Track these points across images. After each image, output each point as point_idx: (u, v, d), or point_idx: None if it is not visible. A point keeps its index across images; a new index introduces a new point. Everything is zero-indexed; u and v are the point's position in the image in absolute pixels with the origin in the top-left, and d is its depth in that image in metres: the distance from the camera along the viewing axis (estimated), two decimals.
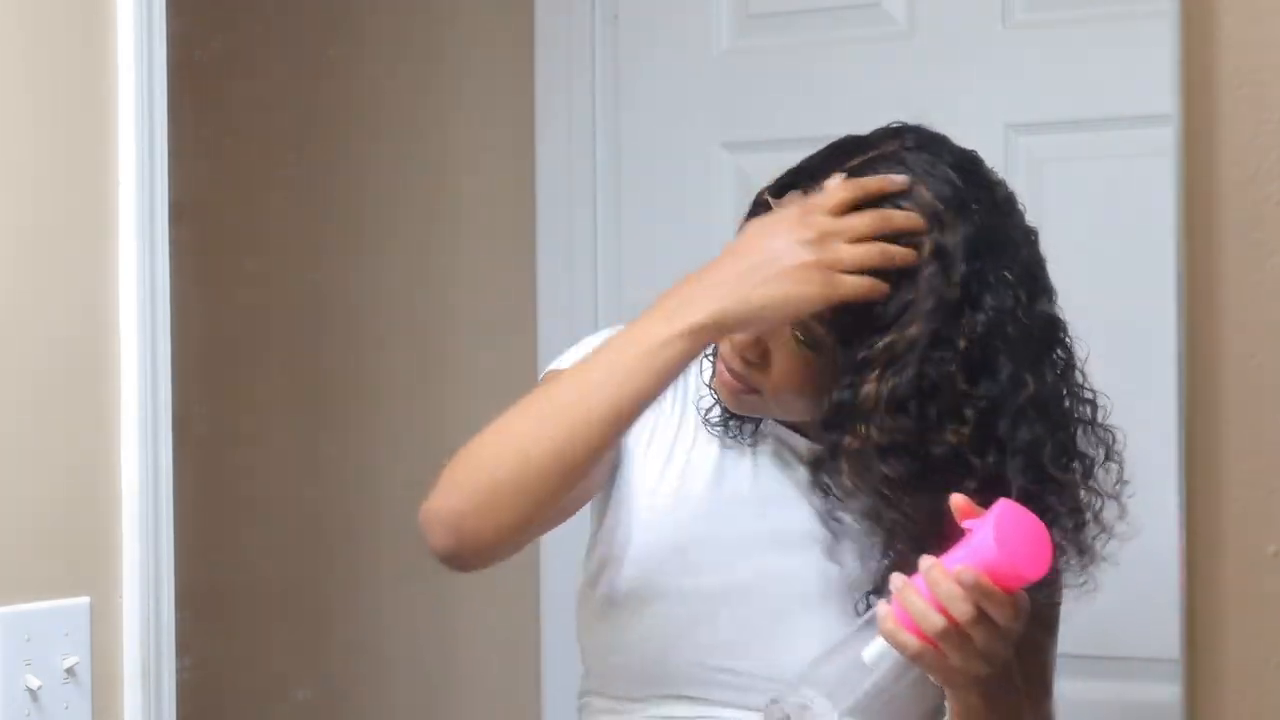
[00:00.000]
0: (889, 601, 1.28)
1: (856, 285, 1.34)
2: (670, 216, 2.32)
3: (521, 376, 2.35)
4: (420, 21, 2.41)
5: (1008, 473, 1.35)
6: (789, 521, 1.47)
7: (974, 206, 1.37)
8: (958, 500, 1.28)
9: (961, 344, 1.35)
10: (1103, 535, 1.41)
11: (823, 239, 1.35)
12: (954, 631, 1.25)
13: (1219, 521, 1.14)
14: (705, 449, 1.53)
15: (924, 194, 1.37)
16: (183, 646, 1.60)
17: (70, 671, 1.52)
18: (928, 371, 1.35)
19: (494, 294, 2.42)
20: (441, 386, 2.42)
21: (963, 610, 1.25)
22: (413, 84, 2.44)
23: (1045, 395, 1.37)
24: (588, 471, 1.42)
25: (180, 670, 1.60)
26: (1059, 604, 1.47)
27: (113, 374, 1.57)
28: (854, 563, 1.45)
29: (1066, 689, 1.71)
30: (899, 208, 1.37)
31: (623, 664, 1.51)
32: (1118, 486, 1.41)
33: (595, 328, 2.33)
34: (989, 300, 1.35)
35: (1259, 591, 1.13)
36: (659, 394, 1.38)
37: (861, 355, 1.36)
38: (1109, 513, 1.41)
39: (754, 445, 1.52)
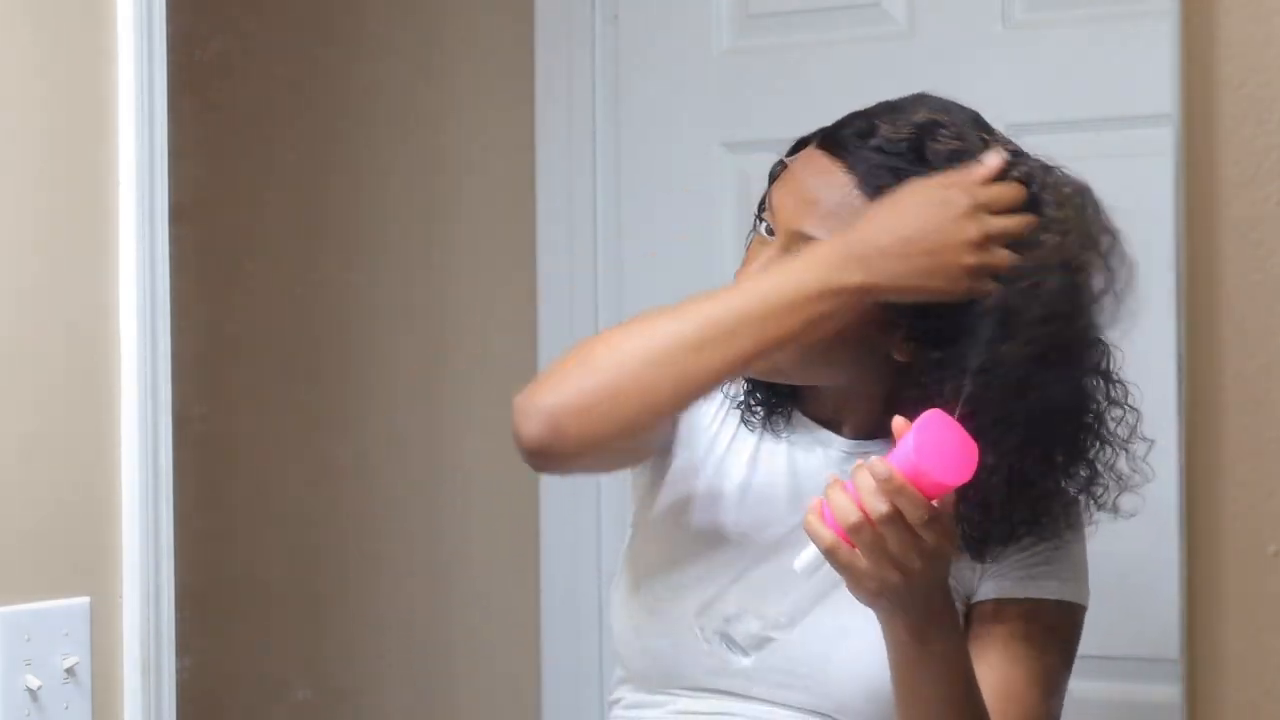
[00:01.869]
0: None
1: (1007, 258, 1.36)
2: (670, 216, 2.32)
3: (522, 376, 2.34)
4: (420, 22, 2.41)
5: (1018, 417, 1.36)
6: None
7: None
8: (897, 422, 1.29)
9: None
10: (1115, 485, 1.42)
11: (977, 210, 1.36)
12: (866, 526, 1.26)
13: (1219, 521, 1.14)
14: (743, 441, 1.54)
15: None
16: (183, 646, 1.60)
17: (70, 671, 1.52)
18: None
19: (494, 294, 2.42)
20: (441, 386, 2.43)
21: (875, 504, 1.25)
22: (412, 84, 2.44)
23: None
24: (689, 406, 1.44)
25: (180, 670, 1.60)
26: (1078, 612, 1.47)
27: (113, 374, 1.57)
28: None
29: (1067, 688, 1.71)
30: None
31: (654, 655, 1.51)
32: (1130, 438, 1.42)
33: (595, 328, 2.34)
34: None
35: (1259, 591, 1.13)
36: (798, 345, 1.39)
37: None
38: (1121, 464, 1.42)
39: (789, 437, 1.52)
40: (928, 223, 1.35)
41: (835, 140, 1.45)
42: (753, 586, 1.45)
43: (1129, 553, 1.79)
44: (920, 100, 1.47)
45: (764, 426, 1.53)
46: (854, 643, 1.43)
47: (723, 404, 1.56)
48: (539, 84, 2.37)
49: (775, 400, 1.53)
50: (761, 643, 1.37)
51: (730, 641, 1.39)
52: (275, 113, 2.38)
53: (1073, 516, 1.45)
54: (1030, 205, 1.39)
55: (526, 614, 2.38)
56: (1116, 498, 1.42)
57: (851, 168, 1.42)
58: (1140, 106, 1.72)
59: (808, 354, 1.42)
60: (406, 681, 2.42)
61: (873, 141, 1.42)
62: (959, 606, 1.44)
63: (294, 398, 2.41)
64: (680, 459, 1.55)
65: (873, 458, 1.27)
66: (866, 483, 1.26)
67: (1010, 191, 1.38)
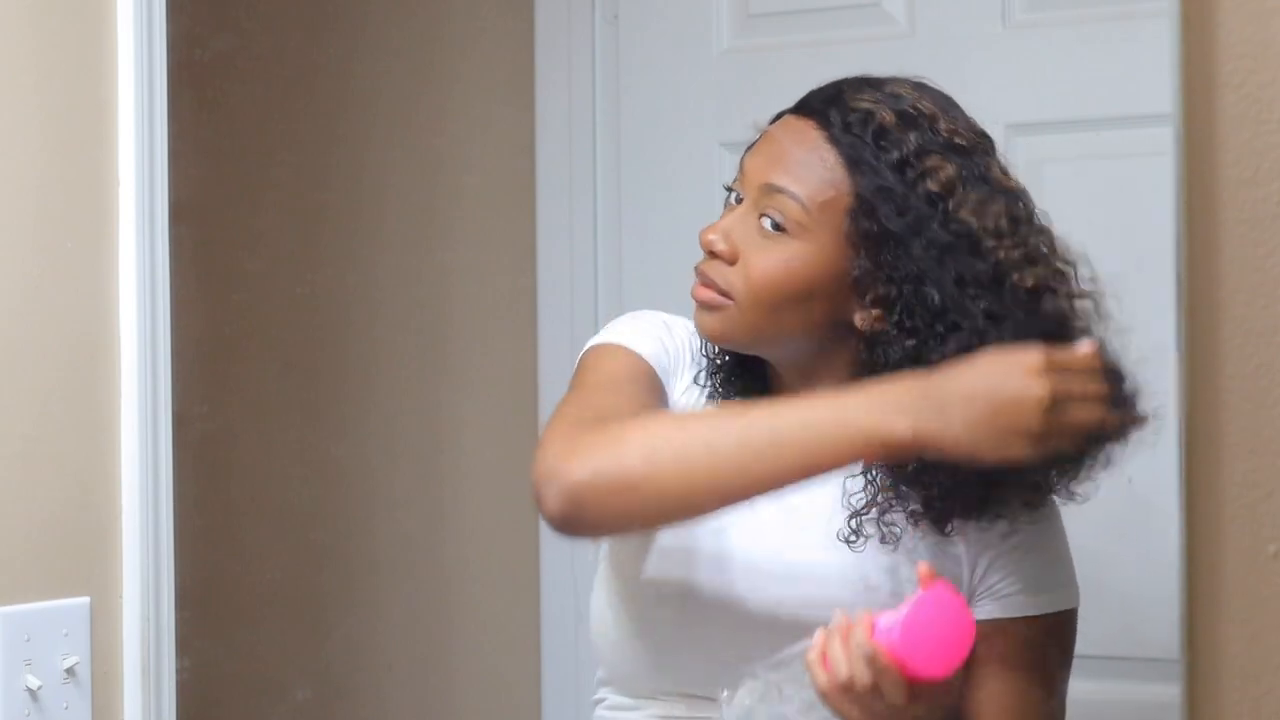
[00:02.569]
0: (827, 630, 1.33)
1: (1079, 419, 1.26)
2: (670, 216, 2.31)
3: (521, 377, 2.35)
4: (420, 21, 2.41)
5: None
6: (808, 519, 1.47)
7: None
8: (921, 567, 1.31)
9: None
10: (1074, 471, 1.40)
11: (1059, 402, 1.25)
12: (852, 688, 1.29)
13: (1219, 521, 1.14)
14: None
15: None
16: (183, 646, 1.60)
17: (70, 671, 1.52)
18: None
19: (494, 294, 2.42)
20: (441, 386, 2.42)
21: (860, 674, 1.29)
22: (412, 84, 2.43)
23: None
24: (710, 514, 1.40)
25: (180, 670, 1.60)
26: (1074, 615, 1.48)
27: (113, 374, 1.57)
28: (875, 562, 1.46)
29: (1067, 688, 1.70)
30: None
31: (634, 659, 1.51)
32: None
33: (595, 328, 2.33)
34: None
35: (1259, 591, 1.13)
36: (829, 475, 1.34)
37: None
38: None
39: None
40: (995, 380, 1.25)
41: (808, 105, 1.48)
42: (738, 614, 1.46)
43: (1129, 553, 1.79)
44: (895, 79, 1.48)
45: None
46: None
47: (698, 394, 1.55)
48: (539, 84, 2.38)
49: (749, 385, 1.53)
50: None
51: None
52: (275, 113, 2.38)
53: (1041, 503, 1.45)
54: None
55: (527, 613, 2.38)
56: (1072, 484, 1.40)
57: (823, 125, 1.44)
58: (1140, 106, 1.72)
59: (756, 307, 1.44)
60: (406, 681, 2.42)
61: (846, 103, 1.44)
62: None
63: (294, 398, 2.41)
64: None
65: (864, 622, 1.29)
66: (856, 652, 1.29)
67: (1087, 358, 1.27)
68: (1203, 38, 1.14)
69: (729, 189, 1.51)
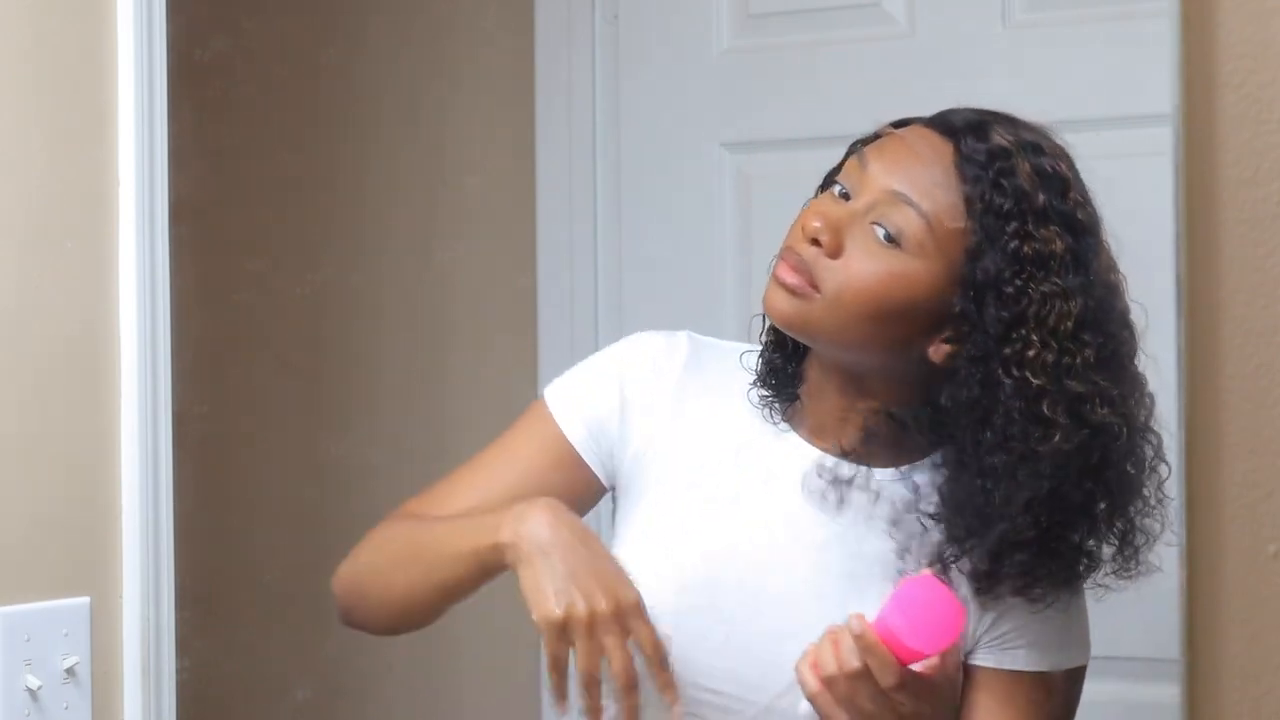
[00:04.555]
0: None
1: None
2: (670, 216, 2.31)
3: (521, 377, 2.35)
4: (420, 22, 2.41)
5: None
6: (808, 549, 1.45)
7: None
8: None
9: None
10: (1145, 543, 1.39)
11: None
12: (840, 680, 1.30)
13: (1219, 521, 1.14)
14: (722, 444, 1.50)
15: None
16: (183, 646, 1.60)
17: (70, 671, 1.52)
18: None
19: (494, 294, 2.42)
20: (441, 386, 2.42)
21: (847, 659, 1.29)
22: (412, 84, 2.44)
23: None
24: (423, 617, 1.55)
25: (180, 670, 1.60)
26: (1084, 671, 1.47)
27: (113, 374, 1.57)
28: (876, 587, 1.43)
29: None
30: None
31: None
32: (1161, 492, 1.39)
33: (595, 328, 2.34)
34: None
35: (1259, 591, 1.13)
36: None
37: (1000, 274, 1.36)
38: (1151, 521, 1.39)
39: (780, 433, 1.48)
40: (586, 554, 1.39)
41: (948, 124, 1.42)
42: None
43: None
44: (1038, 128, 1.44)
45: (766, 416, 1.49)
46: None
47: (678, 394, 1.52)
48: (539, 84, 2.37)
49: (784, 389, 1.49)
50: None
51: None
52: (275, 113, 2.38)
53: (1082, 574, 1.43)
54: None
55: (527, 614, 2.37)
56: (1144, 554, 1.39)
57: (961, 151, 1.39)
58: (1140, 106, 1.72)
59: (840, 308, 1.39)
60: (407, 681, 2.42)
61: (990, 135, 1.40)
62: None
63: (294, 398, 2.41)
64: (657, 467, 1.51)
65: (856, 616, 1.29)
66: (845, 637, 1.29)
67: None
68: (1203, 38, 1.14)
69: (833, 180, 1.44)
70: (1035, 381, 1.34)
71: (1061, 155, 1.41)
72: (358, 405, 2.43)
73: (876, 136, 1.45)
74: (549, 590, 1.35)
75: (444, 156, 2.42)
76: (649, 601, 1.38)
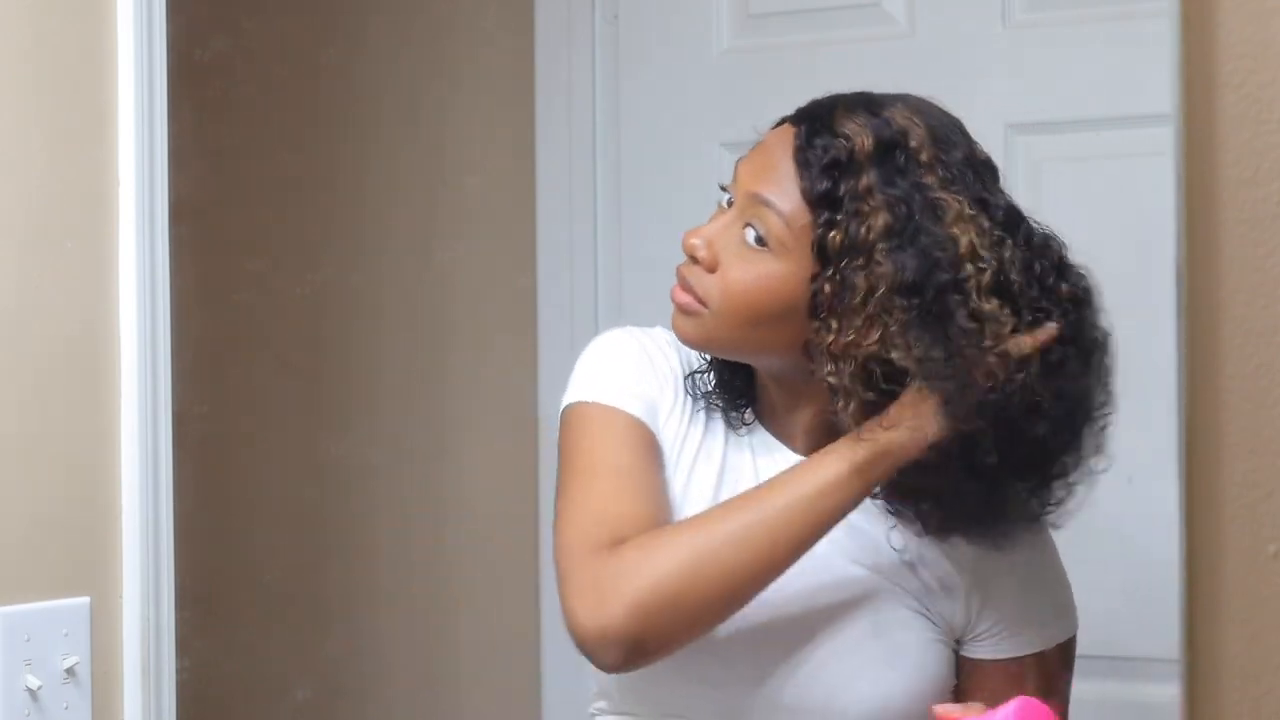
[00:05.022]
0: None
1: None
2: (670, 216, 2.30)
3: (521, 377, 2.35)
4: (420, 22, 2.41)
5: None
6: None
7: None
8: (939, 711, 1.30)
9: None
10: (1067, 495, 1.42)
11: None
12: None
13: (1219, 521, 1.14)
14: (709, 452, 1.51)
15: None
16: (183, 646, 1.60)
17: (70, 671, 1.52)
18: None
19: (494, 294, 2.42)
20: (441, 386, 2.42)
21: None
22: (412, 84, 2.44)
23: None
24: (761, 589, 1.40)
25: (180, 670, 1.60)
26: (1070, 674, 1.49)
27: (113, 374, 1.57)
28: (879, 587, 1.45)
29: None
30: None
31: (631, 685, 1.49)
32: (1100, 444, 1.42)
33: (595, 328, 2.34)
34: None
35: (1259, 591, 1.13)
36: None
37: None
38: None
39: (750, 443, 1.51)
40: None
41: (798, 117, 1.47)
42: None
43: (1129, 553, 1.79)
44: (899, 100, 1.46)
45: (727, 424, 1.51)
46: (862, 685, 1.43)
47: (682, 414, 1.52)
48: (539, 84, 2.37)
49: (737, 400, 1.52)
50: None
51: None
52: (275, 113, 2.38)
53: (1034, 520, 1.44)
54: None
55: (526, 613, 2.37)
56: (1060, 508, 1.42)
57: (796, 143, 1.43)
58: (1140, 106, 1.72)
59: (730, 314, 1.42)
60: (407, 681, 2.42)
61: (832, 123, 1.43)
62: (946, 642, 1.46)
63: (294, 398, 2.41)
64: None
65: None
66: None
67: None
68: (1203, 38, 1.14)
69: (724, 189, 1.49)
70: (888, 355, 1.36)
71: (922, 131, 1.42)
72: (358, 405, 2.42)
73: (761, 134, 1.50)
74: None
75: (444, 156, 2.42)
76: None
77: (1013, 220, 1.40)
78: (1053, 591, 1.49)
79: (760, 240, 1.42)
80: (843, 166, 1.39)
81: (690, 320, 1.45)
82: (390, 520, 2.40)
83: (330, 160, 2.42)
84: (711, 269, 1.44)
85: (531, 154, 2.38)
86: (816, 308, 1.39)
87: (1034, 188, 2.08)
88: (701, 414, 1.52)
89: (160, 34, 1.59)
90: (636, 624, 1.32)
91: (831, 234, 1.38)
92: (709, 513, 1.39)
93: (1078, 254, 2.07)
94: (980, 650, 1.47)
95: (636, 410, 1.48)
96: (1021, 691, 1.40)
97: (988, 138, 2.13)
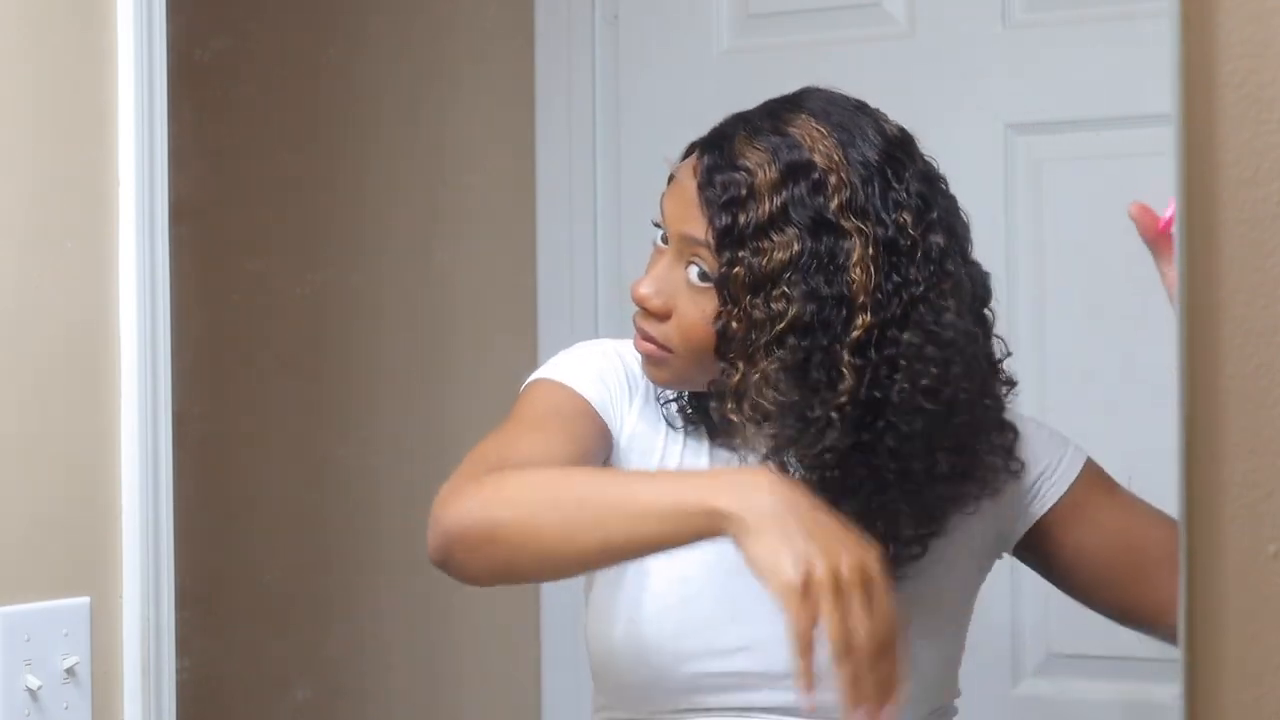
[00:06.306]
0: None
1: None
2: None
3: (521, 377, 2.35)
4: (420, 22, 2.41)
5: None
6: None
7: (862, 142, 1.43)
8: None
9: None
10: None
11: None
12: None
13: (1219, 521, 1.14)
14: (692, 456, 1.52)
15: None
16: (183, 646, 1.60)
17: (70, 671, 1.52)
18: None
19: (494, 294, 2.42)
20: (441, 386, 2.43)
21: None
22: (413, 84, 2.44)
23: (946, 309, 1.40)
24: (567, 573, 1.46)
25: (180, 670, 1.60)
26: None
27: (113, 374, 1.57)
28: None
29: (1067, 689, 1.70)
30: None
31: (635, 686, 1.50)
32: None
33: (595, 328, 2.34)
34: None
35: (1259, 591, 1.13)
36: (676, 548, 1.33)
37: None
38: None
39: (710, 450, 1.51)
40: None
41: (700, 148, 1.47)
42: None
43: None
44: (800, 100, 1.48)
45: (685, 433, 1.52)
46: None
47: (651, 424, 1.53)
48: (539, 84, 2.38)
49: (696, 411, 1.52)
50: None
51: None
52: (276, 113, 2.38)
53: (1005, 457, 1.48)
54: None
55: (527, 613, 2.38)
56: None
57: (697, 181, 1.43)
58: (1140, 106, 1.72)
59: (692, 357, 1.43)
60: (407, 681, 2.42)
61: (732, 154, 1.43)
62: (995, 549, 1.51)
63: (294, 398, 2.41)
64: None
65: None
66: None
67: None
68: (1203, 38, 1.14)
69: (657, 224, 1.49)
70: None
71: (830, 143, 1.42)
72: (358, 405, 2.42)
73: (673, 166, 1.50)
74: (786, 558, 1.21)
75: (444, 156, 2.42)
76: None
77: (921, 215, 1.40)
78: (1045, 433, 1.52)
79: (704, 276, 1.42)
80: (741, 202, 1.39)
81: (660, 368, 1.46)
82: (390, 520, 2.40)
83: (330, 160, 2.42)
84: (665, 317, 1.44)
85: (531, 154, 2.38)
86: (724, 347, 1.40)
87: (1034, 188, 2.08)
88: (668, 423, 1.53)
89: (160, 34, 1.59)
90: (441, 552, 1.36)
91: (735, 270, 1.38)
92: (568, 473, 1.38)
93: (1077, 254, 2.07)
94: (1051, 503, 1.49)
95: (587, 393, 1.49)
96: (1103, 496, 1.48)
97: (988, 138, 2.14)
